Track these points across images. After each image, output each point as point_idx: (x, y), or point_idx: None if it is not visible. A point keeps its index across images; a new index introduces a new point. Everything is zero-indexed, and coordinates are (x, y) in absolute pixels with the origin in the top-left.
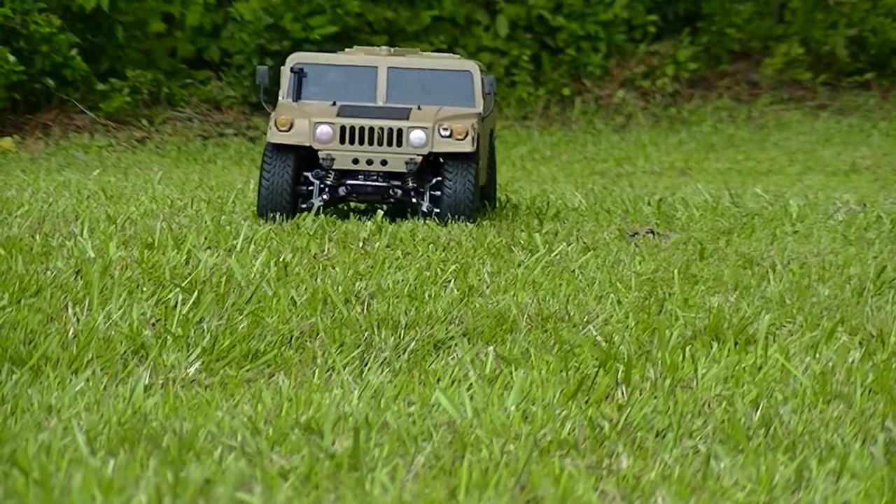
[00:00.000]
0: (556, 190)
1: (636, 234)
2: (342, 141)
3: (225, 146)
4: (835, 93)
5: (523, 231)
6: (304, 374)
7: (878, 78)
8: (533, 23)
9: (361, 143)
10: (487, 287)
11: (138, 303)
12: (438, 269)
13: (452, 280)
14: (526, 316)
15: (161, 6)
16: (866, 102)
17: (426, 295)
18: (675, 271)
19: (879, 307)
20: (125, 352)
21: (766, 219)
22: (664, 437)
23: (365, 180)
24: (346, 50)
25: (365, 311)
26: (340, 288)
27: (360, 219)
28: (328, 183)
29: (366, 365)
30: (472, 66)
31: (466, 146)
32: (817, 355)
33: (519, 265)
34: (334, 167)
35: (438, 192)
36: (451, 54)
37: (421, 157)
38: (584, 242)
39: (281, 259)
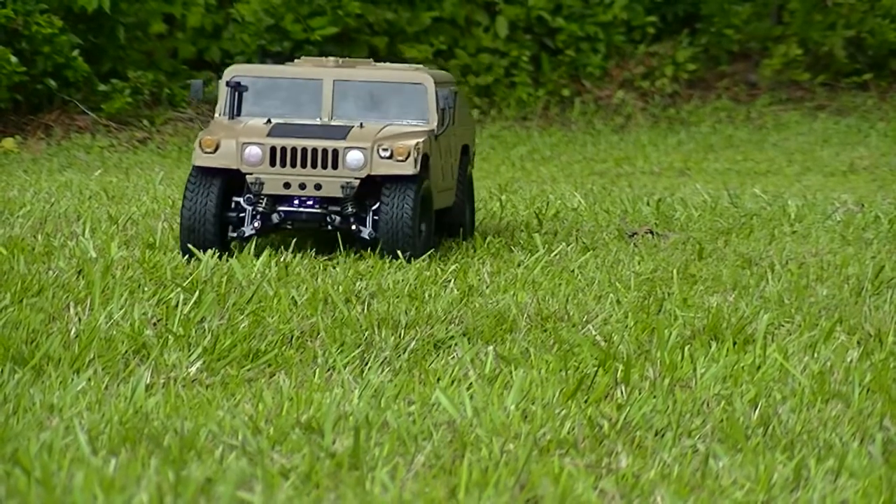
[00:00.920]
0: (556, 190)
1: (635, 234)
2: (272, 163)
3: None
4: (833, 93)
5: (523, 231)
6: (305, 374)
7: (876, 79)
8: (532, 24)
9: (293, 165)
10: (487, 287)
11: (140, 303)
12: (438, 269)
13: (452, 280)
14: (525, 316)
15: (162, 7)
16: (864, 103)
17: (426, 295)
18: (674, 271)
19: (877, 307)
20: (126, 351)
21: (764, 219)
22: (663, 436)
23: (300, 206)
24: (295, 61)
25: (365, 310)
26: (341, 288)
27: (293, 246)
28: (260, 210)
29: (366, 364)
30: (426, 77)
31: (408, 168)
32: (815, 355)
33: (518, 265)
34: (264, 192)
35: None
36: (411, 65)
37: (358, 181)
38: (584, 242)
39: (282, 259)
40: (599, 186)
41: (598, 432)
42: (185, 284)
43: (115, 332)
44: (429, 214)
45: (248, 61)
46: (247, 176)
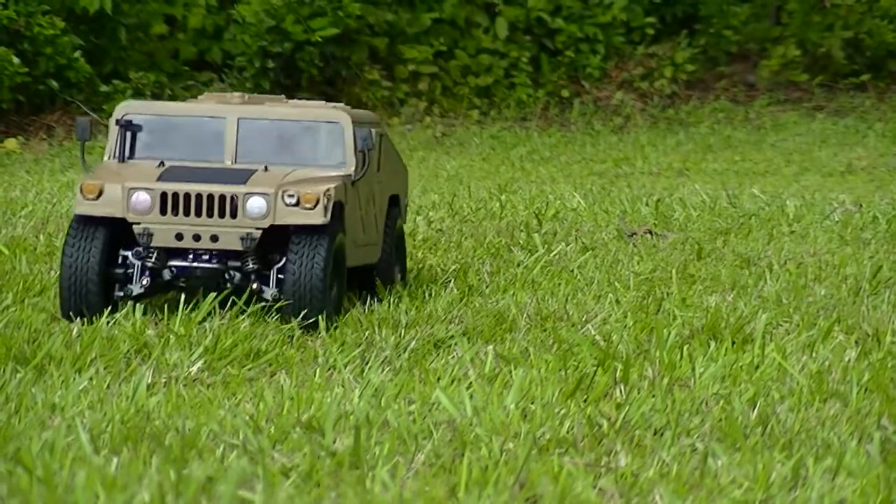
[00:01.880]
0: (555, 190)
1: (634, 234)
2: (163, 211)
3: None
4: (831, 94)
5: (522, 231)
6: (306, 373)
7: (874, 79)
8: (532, 25)
9: (187, 213)
10: (487, 287)
11: (141, 302)
12: (439, 269)
13: (452, 280)
14: (525, 315)
15: (164, 8)
16: (862, 104)
17: (426, 294)
18: (673, 271)
19: (875, 306)
20: (128, 351)
21: (762, 219)
22: (662, 435)
23: (194, 261)
24: (199, 97)
25: (366, 310)
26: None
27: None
28: (149, 265)
29: (366, 364)
30: (342, 115)
31: (316, 217)
32: (814, 354)
33: (518, 265)
34: (154, 244)
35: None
36: (327, 102)
37: (260, 232)
38: (583, 242)
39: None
40: (599, 187)
41: (597, 431)
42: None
43: (116, 332)
44: (342, 272)
45: (145, 94)
46: (134, 226)
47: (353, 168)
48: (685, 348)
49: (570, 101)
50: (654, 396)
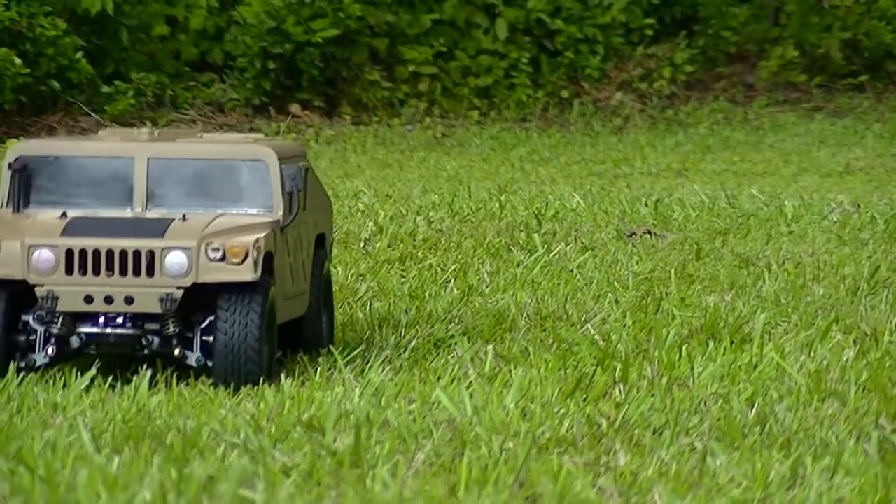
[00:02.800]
0: (555, 191)
1: (634, 234)
2: (69, 271)
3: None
4: (829, 95)
5: (522, 231)
6: (306, 373)
7: (872, 80)
8: (532, 26)
9: (96, 273)
10: (487, 286)
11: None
12: (439, 269)
13: (452, 280)
14: (525, 315)
15: (165, 9)
16: (860, 104)
17: (426, 294)
18: (672, 271)
19: (873, 306)
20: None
21: (761, 219)
22: (661, 434)
23: (106, 326)
24: (100, 133)
25: (367, 310)
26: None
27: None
28: (55, 331)
29: (367, 363)
30: (267, 153)
31: (245, 273)
32: (812, 354)
33: (518, 265)
34: (60, 308)
35: (211, 338)
36: (249, 135)
37: (181, 291)
38: (583, 242)
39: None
40: (598, 187)
41: (596, 431)
42: None
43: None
44: (273, 331)
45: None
46: (36, 288)
47: (280, 212)
48: (684, 348)
49: (569, 101)
50: (653, 396)
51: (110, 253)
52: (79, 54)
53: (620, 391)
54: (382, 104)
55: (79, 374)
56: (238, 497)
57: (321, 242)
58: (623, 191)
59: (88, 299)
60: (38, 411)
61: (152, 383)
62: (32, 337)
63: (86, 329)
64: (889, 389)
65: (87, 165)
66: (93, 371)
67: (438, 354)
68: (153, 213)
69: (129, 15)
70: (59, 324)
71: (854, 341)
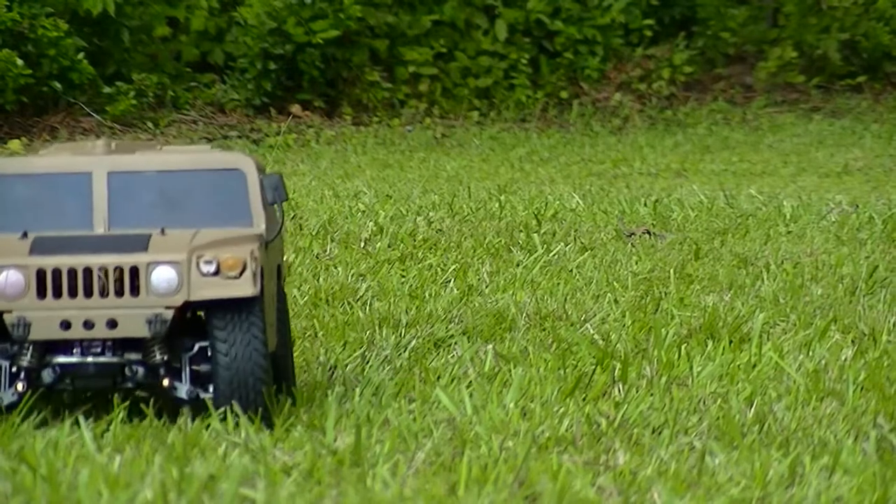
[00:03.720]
0: (554, 191)
1: (633, 234)
2: (41, 294)
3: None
4: (828, 96)
5: (522, 231)
6: (308, 372)
7: (871, 81)
8: (531, 27)
9: (73, 294)
10: (486, 286)
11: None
12: (439, 269)
13: (452, 279)
14: (524, 315)
15: (166, 10)
16: (859, 105)
17: (426, 294)
18: (671, 271)
19: (871, 306)
20: None
21: (760, 219)
22: (660, 433)
23: (83, 355)
24: (52, 146)
25: (367, 310)
26: (343, 287)
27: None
28: (24, 364)
29: (367, 363)
30: (244, 160)
31: (244, 287)
32: (810, 353)
33: (517, 265)
34: (33, 336)
35: (205, 367)
36: (210, 146)
37: (172, 312)
38: (582, 242)
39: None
40: (597, 187)
41: (595, 430)
42: None
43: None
44: (269, 357)
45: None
46: (4, 315)
47: (262, 226)
48: (683, 347)
49: (568, 102)
50: (652, 395)
51: (87, 271)
52: (80, 55)
53: (619, 390)
54: (383, 105)
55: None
56: (239, 496)
57: (279, 273)
58: (622, 191)
59: (65, 325)
60: (40, 409)
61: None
62: None
63: (61, 360)
64: (887, 389)
65: (37, 184)
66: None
67: (438, 354)
68: (121, 231)
69: (130, 16)
70: (26, 356)
71: (852, 341)
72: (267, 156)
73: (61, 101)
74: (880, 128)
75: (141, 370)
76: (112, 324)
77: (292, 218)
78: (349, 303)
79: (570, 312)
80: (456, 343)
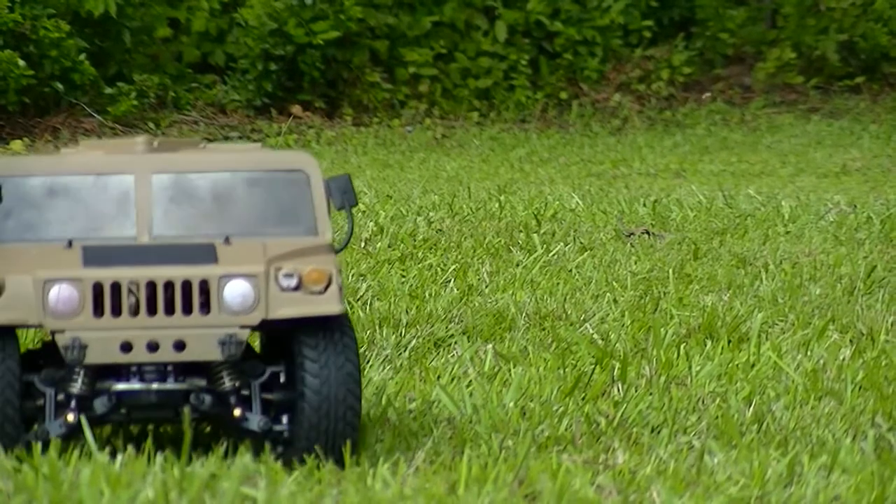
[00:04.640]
0: (554, 191)
1: (632, 234)
2: (98, 311)
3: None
4: (826, 96)
5: (521, 231)
6: None
7: (869, 82)
8: (531, 28)
9: (134, 312)
10: (486, 286)
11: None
12: (439, 269)
13: (452, 279)
14: (524, 314)
15: (167, 12)
16: (857, 106)
17: (426, 294)
18: (670, 271)
19: (869, 306)
20: None
21: (758, 219)
22: (659, 432)
23: (143, 381)
24: (84, 143)
25: (368, 309)
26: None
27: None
28: (74, 391)
29: (367, 362)
30: (307, 160)
31: (331, 304)
32: (809, 353)
33: (517, 265)
34: (89, 360)
35: (279, 395)
36: (253, 145)
37: (248, 332)
38: (581, 243)
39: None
40: (597, 188)
41: (595, 429)
42: None
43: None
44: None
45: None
46: (56, 336)
47: (328, 235)
48: (682, 347)
49: (568, 103)
50: (651, 394)
51: (151, 286)
52: (82, 56)
53: (619, 390)
54: (383, 105)
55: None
56: (240, 495)
57: None
58: (621, 191)
59: (126, 347)
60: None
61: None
62: (41, 402)
63: (121, 386)
64: (885, 388)
65: (73, 187)
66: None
67: (438, 353)
68: (169, 241)
69: (131, 17)
70: (77, 382)
71: (850, 340)
72: None
73: (63, 101)
74: (878, 128)
75: (208, 398)
76: (180, 346)
77: None
78: (350, 302)
79: (569, 312)
80: (456, 343)
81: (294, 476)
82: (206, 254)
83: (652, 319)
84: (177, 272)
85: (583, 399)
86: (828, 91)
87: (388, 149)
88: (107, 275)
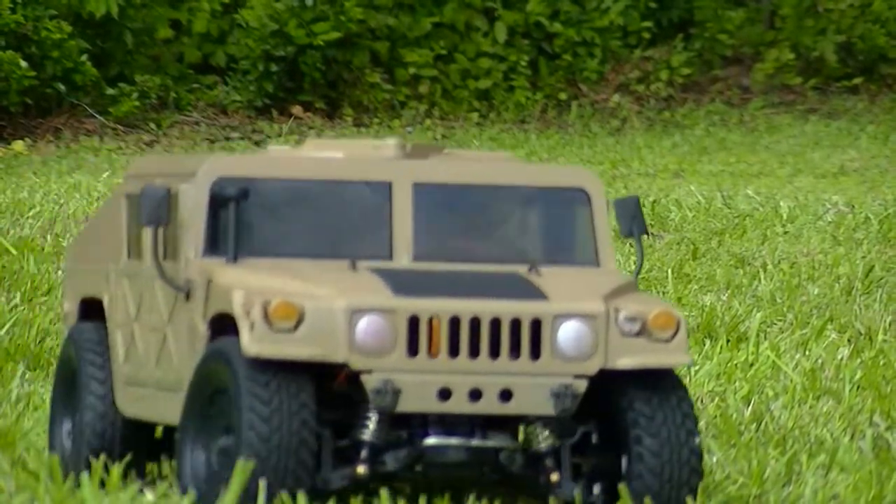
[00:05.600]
0: None
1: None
2: (413, 350)
3: (231, 149)
4: (824, 97)
5: None
6: None
7: (866, 82)
8: (531, 29)
9: (454, 353)
10: None
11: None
12: None
13: None
14: None
15: (169, 13)
16: (854, 106)
17: None
18: (669, 271)
19: (867, 305)
20: None
21: (757, 220)
22: None
23: (451, 434)
24: (310, 141)
25: None
26: None
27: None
28: (365, 438)
29: None
30: (589, 178)
31: (679, 354)
32: (807, 352)
33: None
34: (402, 408)
35: (592, 460)
36: (501, 153)
37: (585, 382)
38: None
39: None
40: None
41: None
42: None
43: None
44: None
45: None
46: (364, 377)
47: (610, 265)
48: None
49: (567, 103)
50: None
51: (475, 322)
52: (83, 57)
53: None
54: (383, 106)
55: None
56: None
57: None
58: (621, 191)
59: (444, 394)
60: (44, 410)
61: None
62: (338, 445)
63: (432, 441)
64: (883, 387)
65: (317, 193)
66: None
67: None
68: (425, 267)
69: (133, 18)
70: (372, 428)
71: (848, 340)
72: None
73: (65, 102)
74: (876, 129)
75: (519, 459)
76: (506, 395)
77: None
78: None
79: None
80: None
81: None
82: (529, 287)
83: None
84: (504, 308)
85: None
86: (826, 92)
87: None
88: (424, 307)
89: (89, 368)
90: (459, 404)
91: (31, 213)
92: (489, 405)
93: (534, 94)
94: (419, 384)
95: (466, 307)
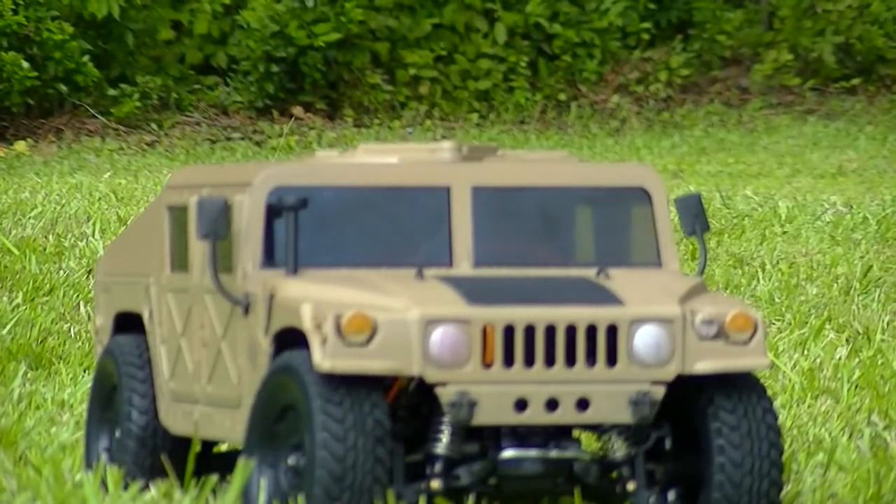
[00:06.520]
0: None
1: None
2: (487, 360)
3: (232, 150)
4: (822, 98)
5: None
6: None
7: (865, 83)
8: (530, 30)
9: (529, 362)
10: None
11: None
12: None
13: None
14: None
15: (170, 14)
16: (853, 107)
17: None
18: None
19: (865, 305)
20: None
21: (755, 220)
22: None
23: (522, 445)
24: (363, 146)
25: None
26: None
27: None
28: (440, 452)
29: None
30: (650, 176)
31: (757, 357)
32: (805, 352)
33: None
34: (479, 420)
35: (667, 466)
36: (557, 152)
37: (663, 388)
38: None
39: None
40: None
41: None
42: None
43: None
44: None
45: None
46: (438, 389)
47: (674, 265)
48: None
49: (567, 104)
50: None
51: (550, 331)
52: (85, 58)
53: None
54: (383, 107)
55: (85, 372)
56: (242, 493)
57: None
58: None
59: (521, 405)
60: (46, 409)
61: None
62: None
63: (509, 454)
64: (881, 387)
65: (375, 200)
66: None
67: None
68: (488, 273)
69: (134, 19)
70: (446, 441)
71: (847, 340)
72: (269, 157)
73: (66, 103)
74: (874, 129)
75: (595, 469)
76: (583, 404)
77: None
78: None
79: None
80: None
81: None
82: (602, 292)
83: None
84: (579, 314)
85: None
86: (824, 93)
87: None
88: (499, 315)
89: (131, 382)
90: (536, 415)
91: (32, 213)
92: (566, 415)
93: (533, 95)
94: (495, 395)
95: (541, 315)
